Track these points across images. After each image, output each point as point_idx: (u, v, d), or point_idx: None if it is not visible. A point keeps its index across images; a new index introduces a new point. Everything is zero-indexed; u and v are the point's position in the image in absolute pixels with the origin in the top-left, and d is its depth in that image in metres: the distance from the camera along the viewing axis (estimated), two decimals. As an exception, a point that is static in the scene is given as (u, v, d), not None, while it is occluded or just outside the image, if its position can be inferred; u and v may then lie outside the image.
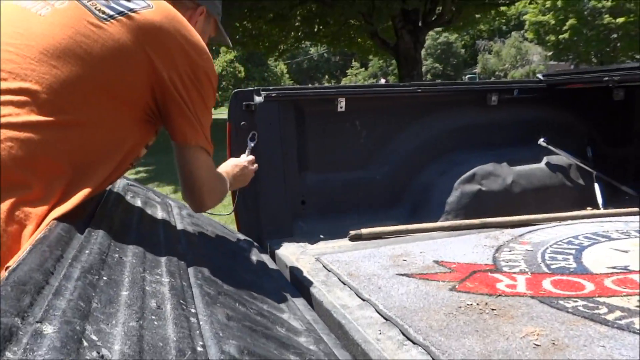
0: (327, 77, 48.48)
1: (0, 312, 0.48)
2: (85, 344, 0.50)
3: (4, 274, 0.59)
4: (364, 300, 1.25)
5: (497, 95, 2.23)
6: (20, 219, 0.80)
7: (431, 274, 1.41)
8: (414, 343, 1.02)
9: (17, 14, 0.96)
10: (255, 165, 1.51)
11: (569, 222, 1.92)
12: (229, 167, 1.40)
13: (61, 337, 0.48)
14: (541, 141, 2.26)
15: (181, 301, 0.75)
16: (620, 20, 20.86)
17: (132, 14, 0.96)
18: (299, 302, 1.19)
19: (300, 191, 2.04)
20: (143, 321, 0.62)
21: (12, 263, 0.63)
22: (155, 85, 0.99)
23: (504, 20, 26.87)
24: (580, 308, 1.13)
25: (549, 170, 2.24)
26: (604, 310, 1.12)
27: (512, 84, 2.41)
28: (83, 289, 0.61)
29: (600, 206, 2.15)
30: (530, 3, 21.22)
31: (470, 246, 1.63)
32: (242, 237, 1.70)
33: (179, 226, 1.32)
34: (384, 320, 1.13)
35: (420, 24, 11.18)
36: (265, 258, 1.57)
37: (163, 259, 0.92)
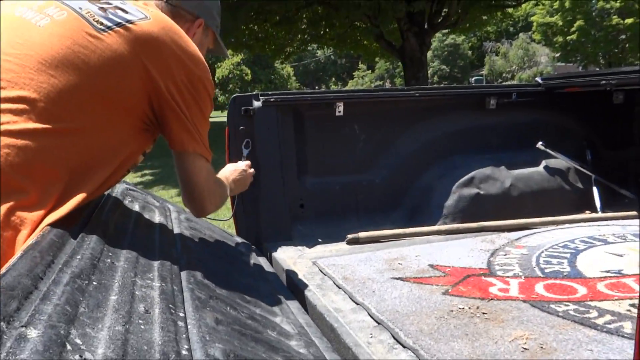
0: (333, 79, 48.44)
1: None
2: (68, 347, 0.51)
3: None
4: (357, 303, 1.26)
5: (496, 99, 2.23)
6: (15, 224, 0.82)
7: (425, 277, 1.42)
8: (404, 347, 1.03)
9: (17, 24, 0.98)
10: (252, 170, 1.53)
11: (567, 225, 1.93)
12: (228, 172, 1.42)
13: (44, 341, 0.49)
14: (539, 144, 2.26)
15: (170, 305, 0.77)
16: (628, 21, 20.76)
17: (130, 25, 0.99)
18: (293, 306, 1.21)
19: (299, 195, 2.05)
20: (129, 325, 0.64)
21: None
22: (152, 94, 1.01)
23: (510, 22, 26.79)
24: (571, 312, 1.14)
25: (547, 174, 2.24)
26: (595, 314, 1.13)
27: (511, 88, 2.41)
28: (71, 294, 0.63)
29: (599, 210, 2.14)
30: (536, 5, 21.13)
31: (466, 250, 1.64)
32: (240, 240, 1.71)
33: (176, 230, 1.34)
34: (376, 324, 1.15)
35: (426, 26, 11.17)
36: (262, 261, 1.58)
37: (156, 264, 0.94)
